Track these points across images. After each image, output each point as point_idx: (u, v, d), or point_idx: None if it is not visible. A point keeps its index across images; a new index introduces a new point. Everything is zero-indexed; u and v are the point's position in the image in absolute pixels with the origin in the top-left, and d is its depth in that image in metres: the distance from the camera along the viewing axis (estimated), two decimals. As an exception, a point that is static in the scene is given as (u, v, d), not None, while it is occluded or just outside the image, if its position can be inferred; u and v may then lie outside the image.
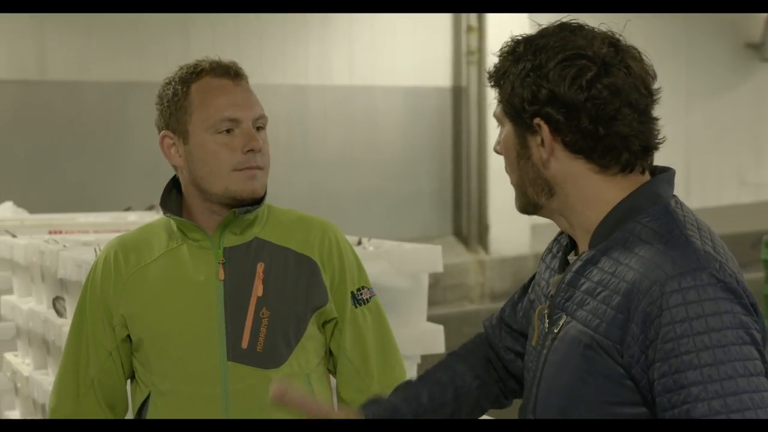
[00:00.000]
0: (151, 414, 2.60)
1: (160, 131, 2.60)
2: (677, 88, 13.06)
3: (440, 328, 3.89)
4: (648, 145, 1.84)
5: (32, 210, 6.81)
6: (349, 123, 11.16)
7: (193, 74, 2.56)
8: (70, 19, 9.66)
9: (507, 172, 1.93)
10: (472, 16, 11.90)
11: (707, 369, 1.65)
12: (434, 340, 3.87)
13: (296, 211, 2.69)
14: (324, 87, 11.00)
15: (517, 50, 1.85)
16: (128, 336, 2.62)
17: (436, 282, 10.74)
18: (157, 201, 2.74)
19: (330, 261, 2.62)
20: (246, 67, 9.07)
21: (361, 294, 2.66)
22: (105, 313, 2.62)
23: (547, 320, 1.89)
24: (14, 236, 4.95)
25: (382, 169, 11.35)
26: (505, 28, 11.58)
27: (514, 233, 12.63)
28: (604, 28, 1.88)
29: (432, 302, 10.76)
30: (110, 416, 2.67)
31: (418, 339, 3.84)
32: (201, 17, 10.19)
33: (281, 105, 10.59)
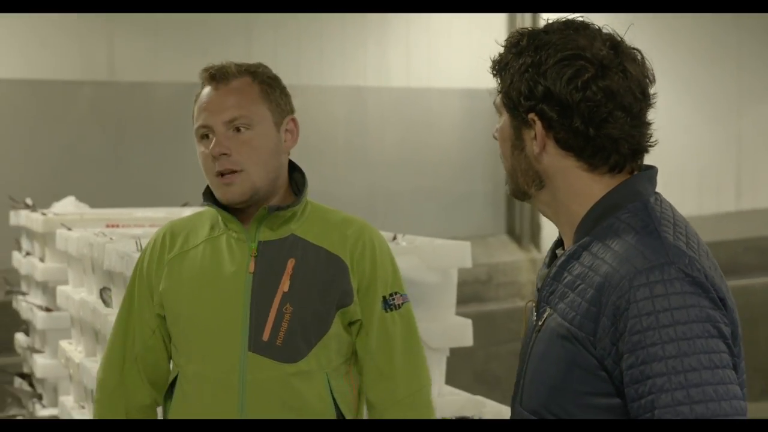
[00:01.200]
0: (177, 394, 2.61)
1: None
2: (729, 91, 12.84)
3: (468, 322, 3.82)
4: (638, 148, 1.83)
5: (101, 205, 6.90)
6: (406, 124, 11.13)
7: (201, 83, 2.60)
8: (138, 22, 9.77)
9: (501, 158, 1.93)
10: (527, 18, 11.79)
11: (672, 361, 1.64)
12: (462, 334, 3.81)
13: (342, 213, 2.65)
14: (382, 89, 10.99)
15: (520, 44, 1.84)
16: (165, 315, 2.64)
17: (489, 279, 10.72)
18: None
19: (360, 264, 2.58)
20: (306, 69, 9.16)
21: (393, 299, 2.62)
22: (149, 292, 2.64)
23: (534, 313, 1.89)
24: (69, 229, 5.02)
25: (437, 169, 11.31)
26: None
27: (565, 232, 12.56)
28: (608, 29, 1.86)
29: (485, 298, 10.81)
30: (152, 392, 2.69)
31: (447, 332, 3.78)
32: (263, 19, 10.24)
33: (340, 106, 10.62)
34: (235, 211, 2.58)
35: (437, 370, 3.80)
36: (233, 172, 2.51)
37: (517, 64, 1.83)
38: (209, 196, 2.59)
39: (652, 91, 1.84)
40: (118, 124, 9.90)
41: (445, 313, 3.83)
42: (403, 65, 11.14)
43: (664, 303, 1.66)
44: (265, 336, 2.53)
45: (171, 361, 2.69)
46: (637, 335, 1.67)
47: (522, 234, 12.79)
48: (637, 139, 1.82)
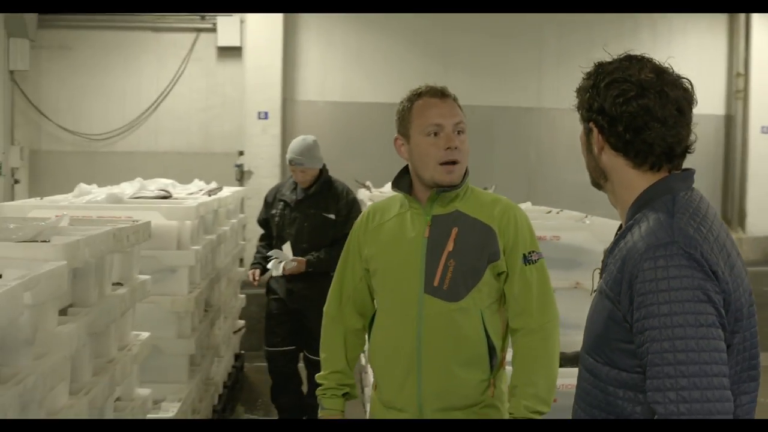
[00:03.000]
0: (376, 324, 2.62)
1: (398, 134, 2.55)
2: None
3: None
4: (670, 152, 1.73)
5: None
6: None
7: (416, 95, 2.54)
8: (459, 60, 10.19)
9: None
10: (741, 64, 11.32)
11: (664, 318, 1.58)
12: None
13: (492, 194, 2.63)
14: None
15: (590, 72, 1.80)
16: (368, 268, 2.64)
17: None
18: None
19: (506, 231, 2.53)
20: (547, 98, 9.08)
21: (531, 256, 2.55)
22: (358, 251, 2.66)
23: (598, 279, 1.84)
24: (371, 201, 5.04)
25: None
26: (763, 77, 10.71)
27: (766, 219, 12.04)
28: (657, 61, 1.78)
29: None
30: (360, 320, 2.69)
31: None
32: (544, 64, 10.37)
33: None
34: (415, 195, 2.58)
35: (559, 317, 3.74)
36: (455, 162, 2.48)
37: (585, 86, 1.79)
38: (397, 185, 2.59)
39: (694, 110, 1.74)
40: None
41: (610, 272, 3.91)
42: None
43: (663, 273, 1.60)
44: (435, 282, 2.49)
45: (373, 299, 2.70)
46: (641, 296, 1.61)
47: (732, 219, 12.34)
48: (670, 144, 1.72)
